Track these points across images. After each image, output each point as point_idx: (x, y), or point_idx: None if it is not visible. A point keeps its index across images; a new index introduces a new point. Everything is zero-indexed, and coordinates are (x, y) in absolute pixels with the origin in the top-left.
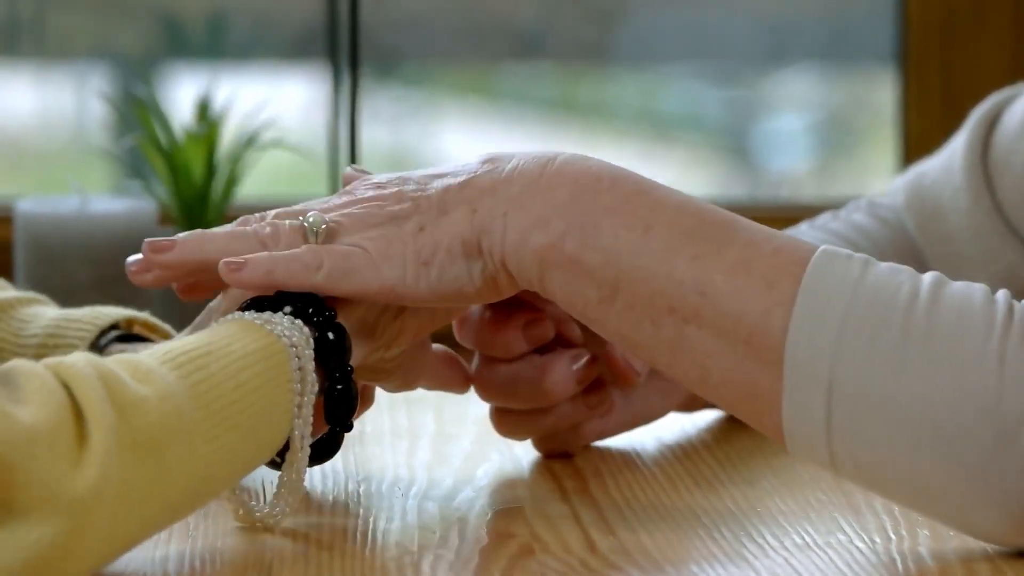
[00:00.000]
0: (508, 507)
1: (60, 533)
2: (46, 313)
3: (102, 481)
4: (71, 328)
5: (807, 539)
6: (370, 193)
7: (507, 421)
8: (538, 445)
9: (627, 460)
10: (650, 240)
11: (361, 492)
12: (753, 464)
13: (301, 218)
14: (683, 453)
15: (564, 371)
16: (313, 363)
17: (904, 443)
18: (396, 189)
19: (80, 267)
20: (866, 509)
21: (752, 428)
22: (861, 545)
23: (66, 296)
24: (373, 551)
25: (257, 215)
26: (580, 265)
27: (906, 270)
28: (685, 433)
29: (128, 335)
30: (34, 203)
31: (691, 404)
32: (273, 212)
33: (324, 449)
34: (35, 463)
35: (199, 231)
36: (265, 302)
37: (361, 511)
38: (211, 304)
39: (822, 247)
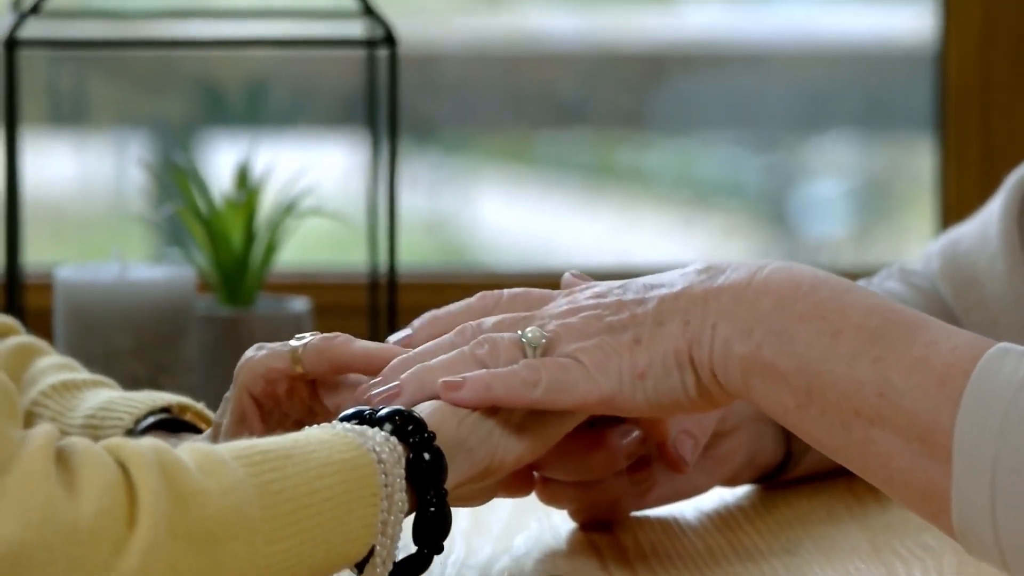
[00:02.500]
0: None
1: None
2: (107, 393)
3: (145, 569)
4: (123, 404)
5: None
6: (590, 302)
7: (550, 490)
8: (575, 516)
9: (667, 530)
10: (838, 344)
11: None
12: (792, 534)
13: (520, 332)
14: (723, 523)
15: (612, 446)
16: (404, 482)
17: None
18: (616, 299)
19: (119, 334)
20: None
21: (791, 498)
22: None
23: (105, 363)
24: None
25: (473, 325)
26: (777, 372)
27: None
28: (724, 502)
29: (178, 420)
30: (74, 270)
31: (734, 480)
32: (489, 322)
33: (410, 569)
34: (77, 550)
35: (420, 366)
36: (365, 415)
37: None
38: (226, 394)
39: (1000, 344)
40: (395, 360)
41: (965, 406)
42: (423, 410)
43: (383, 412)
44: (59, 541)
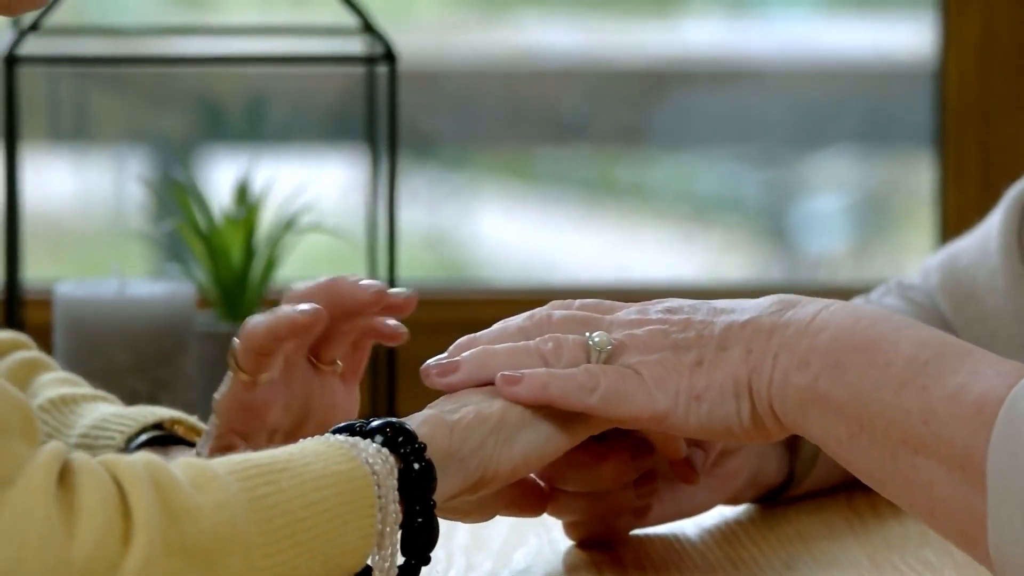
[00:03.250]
0: None
1: None
2: (104, 409)
3: None
4: (115, 422)
5: None
6: (659, 315)
7: (557, 500)
8: (572, 533)
9: (667, 545)
10: (889, 374)
11: None
12: (793, 550)
13: (587, 334)
14: (723, 538)
15: (623, 458)
16: (396, 494)
17: None
18: (685, 317)
19: (119, 350)
20: None
21: (791, 514)
22: None
23: (105, 379)
24: None
25: (543, 313)
26: (832, 403)
27: None
28: (725, 519)
29: (171, 436)
30: (73, 286)
31: (736, 499)
32: (560, 315)
33: None
34: (72, 571)
35: (484, 348)
36: (356, 427)
37: None
38: (207, 428)
39: None
40: (463, 339)
41: (997, 432)
42: (414, 421)
43: (374, 424)
44: (54, 562)
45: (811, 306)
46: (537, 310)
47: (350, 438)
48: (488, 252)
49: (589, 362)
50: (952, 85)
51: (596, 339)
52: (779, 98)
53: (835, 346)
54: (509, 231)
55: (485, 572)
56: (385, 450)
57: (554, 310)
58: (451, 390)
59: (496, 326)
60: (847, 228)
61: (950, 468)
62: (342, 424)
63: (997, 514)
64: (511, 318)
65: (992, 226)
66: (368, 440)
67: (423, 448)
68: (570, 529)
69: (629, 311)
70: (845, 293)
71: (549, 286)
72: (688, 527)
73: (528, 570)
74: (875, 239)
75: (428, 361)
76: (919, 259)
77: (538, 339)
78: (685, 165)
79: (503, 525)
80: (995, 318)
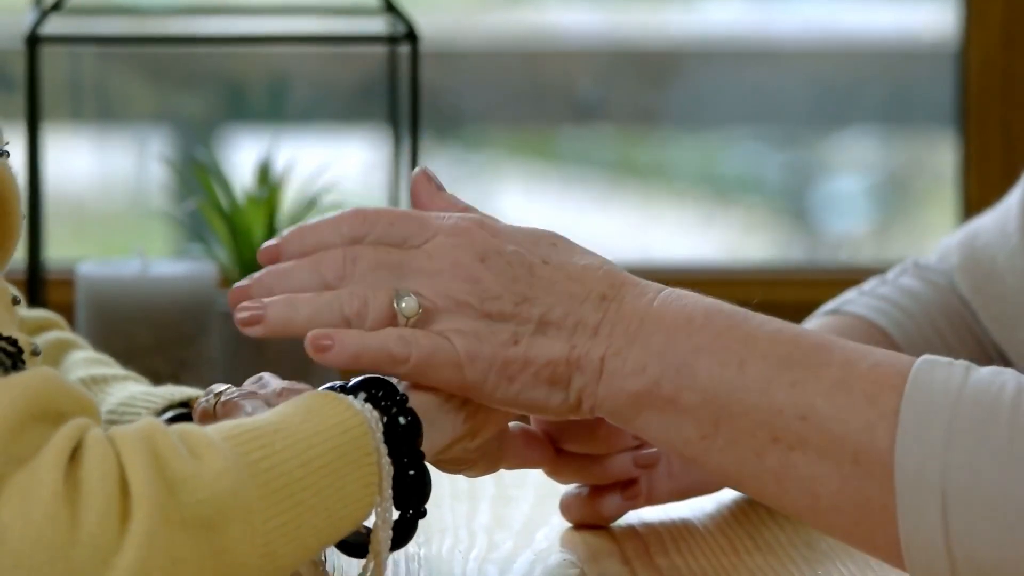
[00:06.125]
0: (568, 571)
1: None
2: (132, 388)
3: (144, 562)
4: (143, 400)
5: None
6: (473, 269)
7: (559, 461)
8: (567, 514)
9: (686, 523)
10: (746, 374)
11: (422, 555)
12: (813, 529)
13: (395, 296)
14: (743, 516)
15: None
16: (384, 447)
17: (1022, 541)
18: (502, 278)
19: (141, 330)
20: None
21: None
22: None
23: (127, 359)
24: None
25: (339, 260)
26: (678, 405)
27: (1008, 371)
28: (745, 497)
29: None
30: (96, 266)
31: None
32: (365, 264)
33: (398, 535)
34: (74, 550)
35: (287, 300)
36: (338, 388)
37: (422, 573)
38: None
39: (923, 356)
40: (264, 273)
41: (904, 423)
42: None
43: (355, 382)
44: (60, 541)
45: (635, 302)
46: (332, 237)
47: (337, 394)
48: None
49: (396, 326)
50: (975, 65)
51: (404, 306)
52: (800, 78)
53: (673, 348)
54: (530, 210)
55: (507, 551)
56: (368, 405)
57: (359, 254)
58: (257, 337)
59: (287, 265)
60: (868, 208)
61: (838, 462)
62: (326, 386)
63: (910, 506)
64: (313, 227)
65: (1012, 206)
66: (351, 397)
67: (405, 400)
68: (565, 510)
69: (439, 250)
70: (866, 273)
71: None
72: (707, 505)
73: (550, 549)
74: (897, 219)
75: (237, 286)
76: (941, 240)
77: (344, 294)
78: (706, 146)
79: (525, 504)
80: (1015, 297)
